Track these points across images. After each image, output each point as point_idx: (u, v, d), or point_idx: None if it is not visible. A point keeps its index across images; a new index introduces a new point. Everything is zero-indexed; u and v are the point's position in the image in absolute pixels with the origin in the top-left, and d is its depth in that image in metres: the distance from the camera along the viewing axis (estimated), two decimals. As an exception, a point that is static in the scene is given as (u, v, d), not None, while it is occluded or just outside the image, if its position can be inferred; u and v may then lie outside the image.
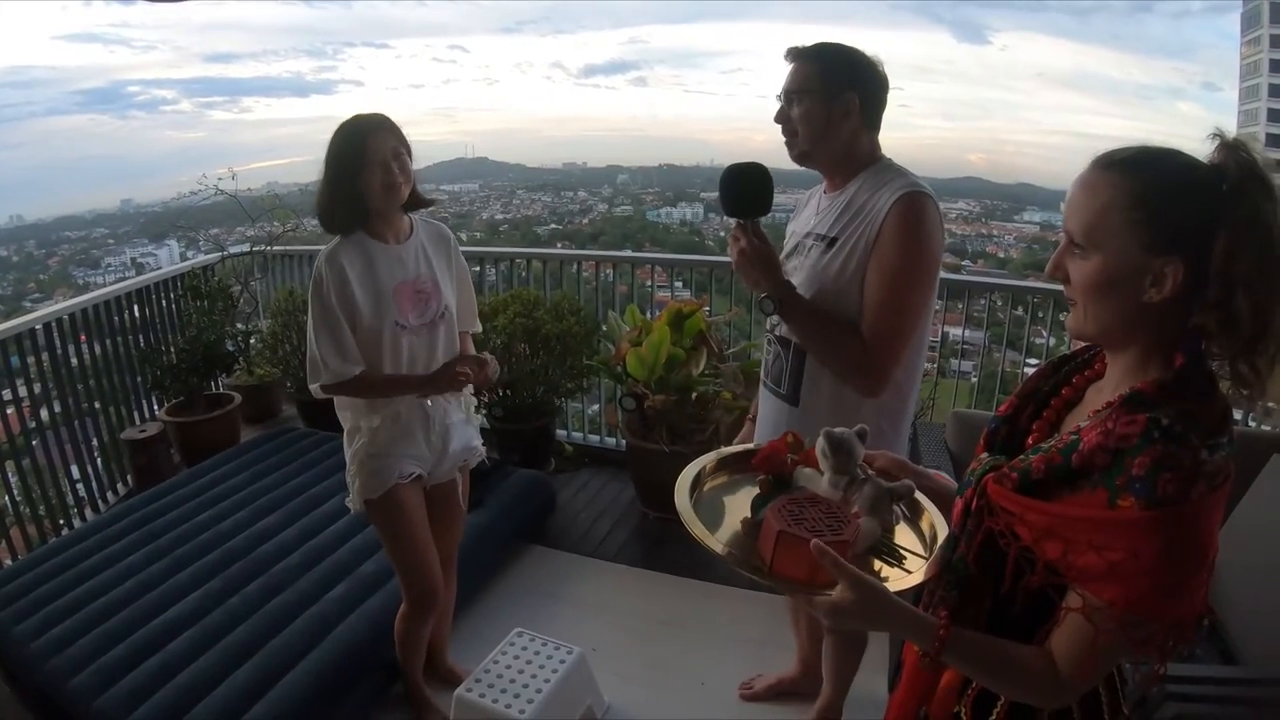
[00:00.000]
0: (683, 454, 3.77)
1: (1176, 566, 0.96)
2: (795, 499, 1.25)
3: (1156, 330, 1.06)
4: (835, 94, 1.92)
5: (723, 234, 17.20)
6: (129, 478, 4.63)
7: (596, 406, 5.09)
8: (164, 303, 5.15)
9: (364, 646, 2.79)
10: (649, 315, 4.51)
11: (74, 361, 4.43)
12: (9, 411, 4.05)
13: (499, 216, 18.18)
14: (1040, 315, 4.19)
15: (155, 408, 4.98)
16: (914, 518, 1.37)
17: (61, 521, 4.24)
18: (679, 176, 20.24)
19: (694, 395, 3.92)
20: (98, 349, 4.61)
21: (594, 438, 4.96)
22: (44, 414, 4.35)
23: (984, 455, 1.23)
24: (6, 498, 4.02)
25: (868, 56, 1.97)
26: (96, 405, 4.61)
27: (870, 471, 1.33)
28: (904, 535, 1.34)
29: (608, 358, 4.19)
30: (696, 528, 1.27)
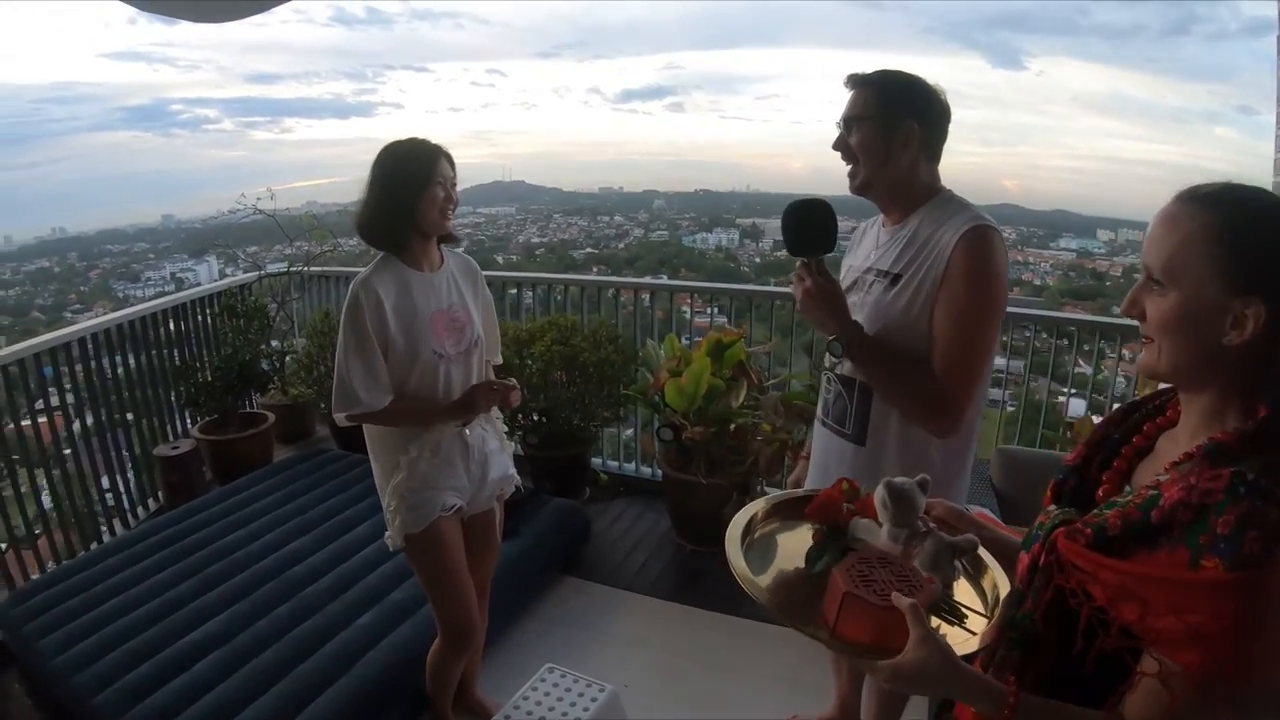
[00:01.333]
0: (720, 486, 3.76)
1: (1264, 630, 0.90)
2: (865, 558, 1.19)
3: (1235, 375, 1.00)
4: (895, 122, 1.87)
5: (758, 260, 17.18)
6: (160, 494, 4.64)
7: (631, 431, 5.03)
8: (200, 320, 5.19)
9: (391, 676, 2.75)
10: (686, 341, 4.48)
11: (109, 374, 4.48)
12: (40, 420, 4.12)
13: (535, 240, 18.06)
14: (1085, 347, 4.08)
15: (189, 424, 5.00)
16: (976, 574, 1.30)
17: (100, 528, 4.32)
18: (715, 202, 19.88)
19: (732, 426, 3.86)
20: (132, 362, 4.65)
21: (629, 466, 4.90)
22: (77, 425, 4.36)
23: (1052, 508, 1.17)
24: (38, 505, 4.06)
25: (929, 84, 1.92)
26: (129, 417, 4.65)
27: (931, 524, 1.27)
28: (962, 590, 1.28)
29: (645, 387, 4.15)
30: (752, 586, 1.22)
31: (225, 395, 4.77)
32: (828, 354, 2.03)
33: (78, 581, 3.26)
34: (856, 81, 1.93)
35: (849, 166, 1.97)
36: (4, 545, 3.78)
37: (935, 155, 1.96)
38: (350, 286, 2.25)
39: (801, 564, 1.29)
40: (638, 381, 4.35)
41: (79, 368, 4.26)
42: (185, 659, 2.77)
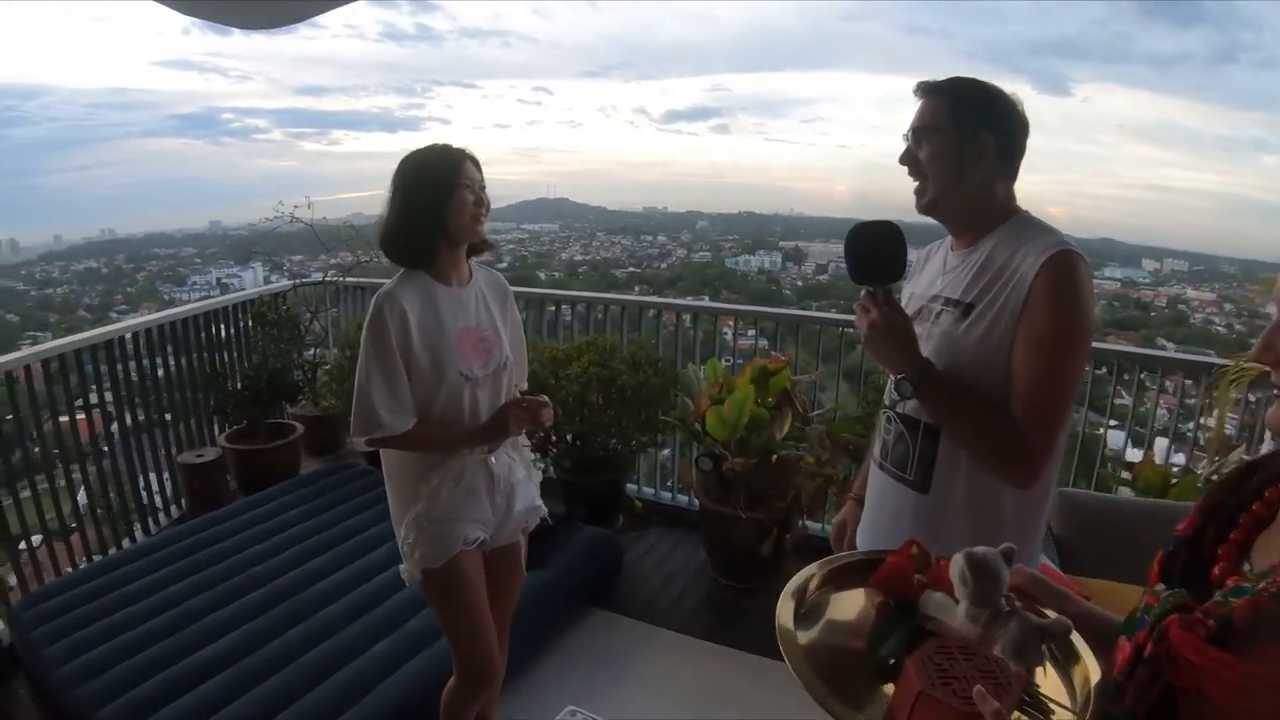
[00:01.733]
0: (760, 521, 3.58)
1: None
2: (943, 647, 1.00)
3: None
4: (968, 134, 1.69)
5: (800, 284, 16.96)
6: (183, 501, 4.58)
7: (668, 450, 4.83)
8: (233, 327, 5.12)
9: (406, 709, 2.63)
10: (727, 363, 4.34)
11: (140, 376, 4.46)
12: (79, 417, 4.09)
13: (578, 257, 17.95)
14: (1125, 377, 3.88)
15: (217, 431, 4.90)
16: (1064, 659, 1.10)
17: (135, 528, 4.31)
18: (758, 224, 19.64)
19: (775, 458, 3.67)
20: (165, 365, 4.64)
21: (666, 494, 4.73)
22: (116, 425, 4.35)
23: (1160, 587, 0.97)
24: (73, 502, 4.06)
25: (1006, 94, 1.74)
26: (167, 417, 4.64)
27: (1016, 601, 1.08)
28: (1047, 677, 1.09)
29: (685, 413, 3.98)
30: (807, 678, 1.05)
31: (253, 404, 4.69)
32: (889, 391, 1.85)
33: (92, 588, 3.20)
34: (927, 89, 1.76)
35: (915, 183, 1.79)
36: (38, 539, 3.78)
37: (1012, 172, 1.77)
38: (374, 299, 2.10)
39: (856, 631, 1.11)
40: (677, 407, 4.18)
41: (119, 367, 4.25)
42: (194, 676, 2.68)
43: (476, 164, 2.15)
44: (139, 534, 4.27)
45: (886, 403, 1.89)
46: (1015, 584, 1.12)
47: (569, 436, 4.24)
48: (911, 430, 1.80)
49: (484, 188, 2.16)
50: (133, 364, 4.35)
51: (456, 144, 2.16)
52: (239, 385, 4.75)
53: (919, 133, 1.74)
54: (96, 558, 3.86)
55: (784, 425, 3.63)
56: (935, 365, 1.68)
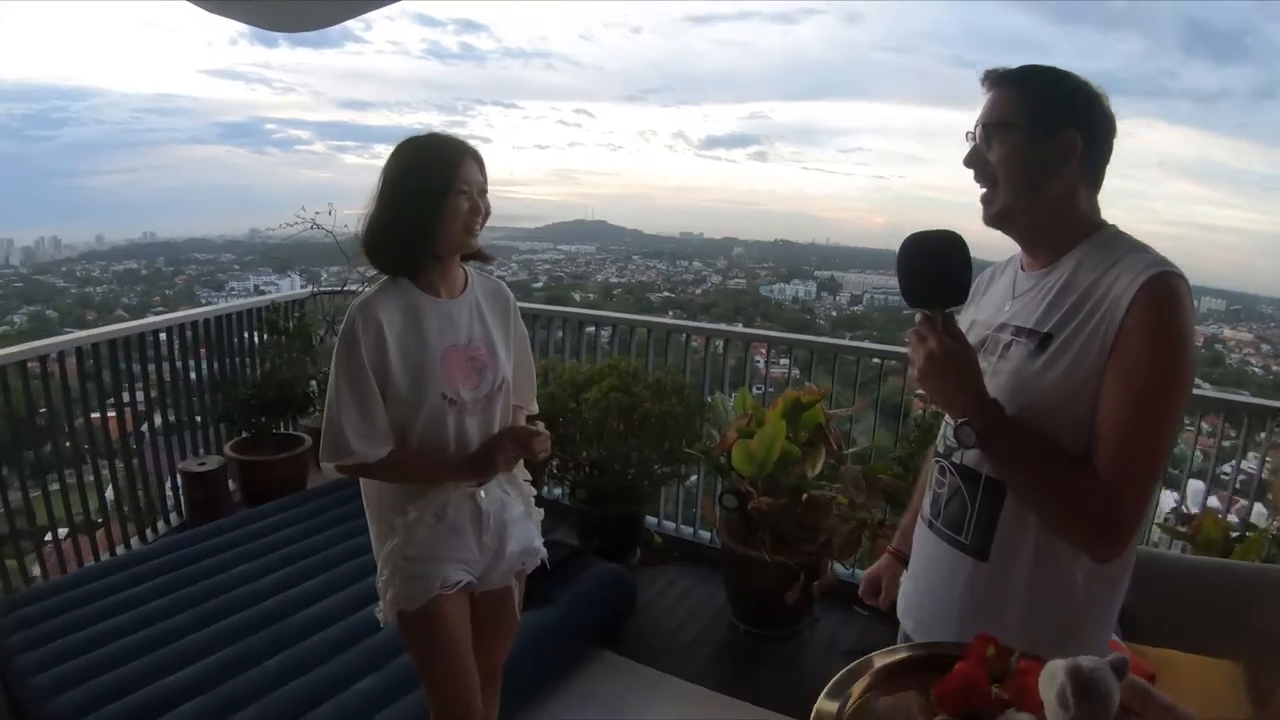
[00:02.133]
0: (786, 565, 3.28)
1: None
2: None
3: None
4: (1049, 131, 1.41)
5: (834, 314, 16.66)
6: (183, 509, 4.41)
7: (693, 478, 4.50)
8: (245, 335, 4.94)
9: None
10: (758, 391, 4.09)
11: (138, 383, 4.37)
12: (110, 415, 4.13)
13: (614, 279, 17.95)
14: None
15: (223, 439, 4.72)
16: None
17: (143, 530, 4.25)
18: (794, 253, 19.68)
19: (804, 497, 3.39)
20: (165, 372, 4.47)
21: (687, 529, 4.44)
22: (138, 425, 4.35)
23: None
24: (100, 497, 4.06)
25: (1091, 85, 1.46)
26: (198, 419, 4.63)
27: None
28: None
29: (710, 446, 3.70)
30: None
31: (260, 414, 4.49)
32: (943, 437, 1.57)
33: (76, 596, 3.04)
34: (998, 78, 1.48)
35: (982, 190, 1.50)
36: (65, 531, 3.82)
37: (1097, 179, 1.48)
38: (348, 311, 1.86)
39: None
40: (703, 438, 3.91)
41: (105, 370, 4.12)
42: (169, 699, 2.49)
43: (479, 163, 1.90)
44: (127, 545, 4.10)
45: (940, 451, 1.60)
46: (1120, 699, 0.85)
47: (586, 466, 3.97)
48: (970, 485, 1.51)
49: (484, 191, 1.90)
50: (136, 366, 4.24)
51: (459, 136, 1.91)
52: (245, 393, 4.56)
53: (991, 129, 1.46)
54: (105, 556, 3.83)
55: (816, 463, 3.36)
56: (1004, 408, 1.39)
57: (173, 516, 4.43)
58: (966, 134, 1.51)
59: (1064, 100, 1.43)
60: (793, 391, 3.54)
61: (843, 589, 3.47)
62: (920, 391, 1.57)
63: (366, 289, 1.91)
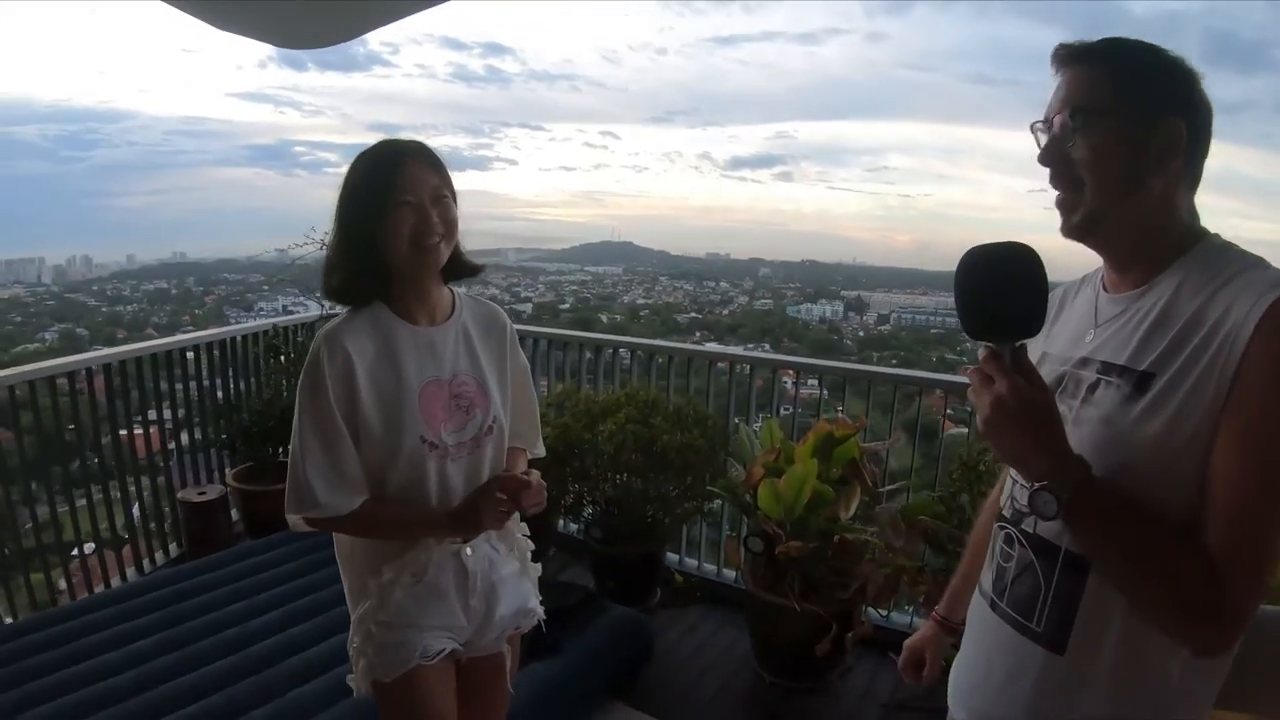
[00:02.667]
0: (817, 614, 3.03)
1: None
2: None
3: None
4: (1149, 118, 1.12)
5: (862, 334, 16.39)
6: (182, 539, 4.21)
7: (720, 504, 4.19)
8: (251, 358, 4.73)
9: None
10: (785, 410, 3.88)
11: (165, 401, 4.29)
12: (136, 431, 4.10)
13: (641, 301, 17.89)
14: None
15: (226, 467, 4.50)
16: None
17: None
18: (820, 273, 19.58)
19: (836, 539, 3.09)
20: (193, 391, 4.42)
21: (710, 567, 4.12)
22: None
23: None
24: (126, 514, 3.98)
25: (1187, 62, 1.16)
26: (224, 436, 4.42)
27: None
28: None
29: (735, 483, 3.40)
30: None
31: (262, 442, 4.24)
32: (1009, 498, 1.29)
33: (57, 633, 2.86)
34: (1077, 53, 1.18)
35: (1059, 194, 1.21)
36: (91, 547, 3.80)
37: (1197, 178, 1.19)
38: (313, 340, 1.60)
39: None
40: (727, 475, 3.61)
41: (100, 397, 3.94)
42: None
43: (431, 162, 1.62)
44: (123, 577, 3.91)
45: (1006, 515, 1.30)
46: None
47: (601, 503, 3.69)
48: (1045, 561, 1.21)
49: (444, 197, 1.61)
50: (164, 384, 4.19)
51: (405, 137, 1.64)
52: (247, 420, 4.33)
53: (1075, 117, 1.16)
54: (131, 573, 3.87)
55: (850, 504, 3.06)
56: (1091, 468, 1.07)
57: (172, 547, 4.23)
58: (1034, 126, 1.22)
59: (1164, 79, 1.14)
60: (825, 424, 3.23)
61: (878, 635, 3.18)
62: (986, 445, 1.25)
63: (335, 319, 1.65)
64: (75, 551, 3.87)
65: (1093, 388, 1.17)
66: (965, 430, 4.38)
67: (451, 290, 1.75)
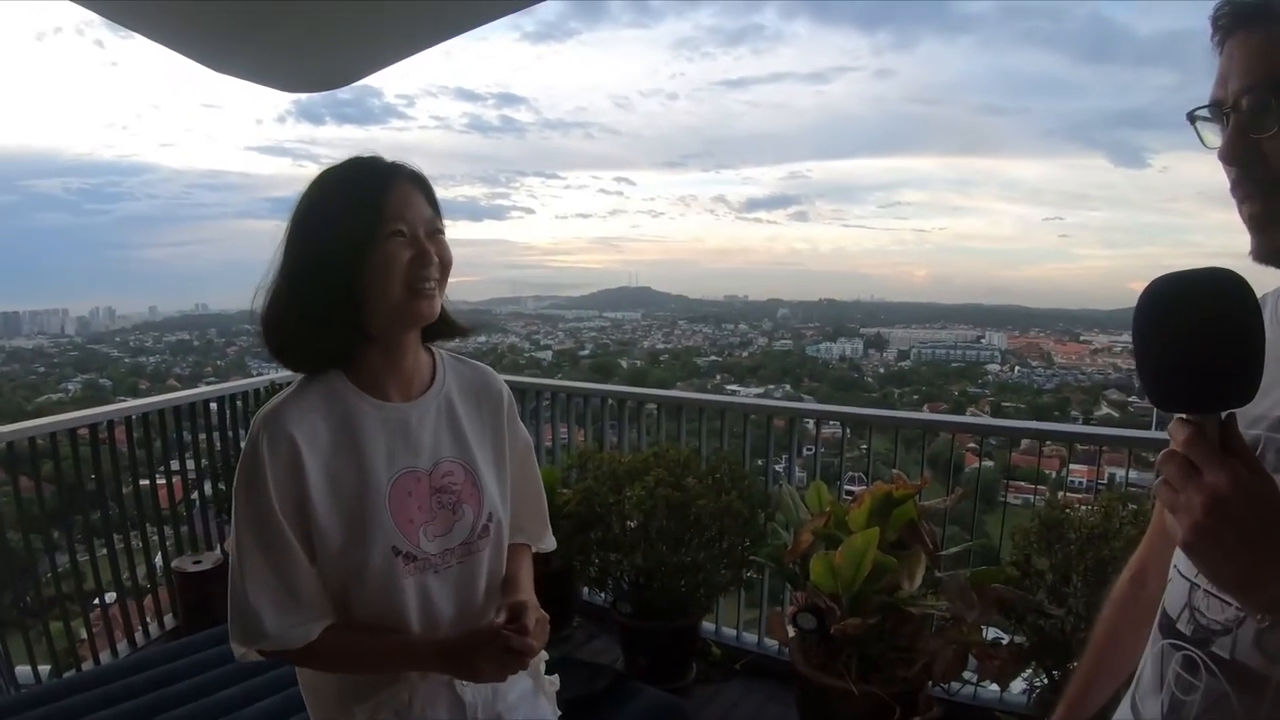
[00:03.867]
0: (877, 696, 2.63)
1: None
2: None
3: None
4: None
5: (882, 371, 16.12)
6: (177, 611, 3.91)
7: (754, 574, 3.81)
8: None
9: None
10: (807, 450, 3.61)
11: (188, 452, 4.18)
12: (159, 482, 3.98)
13: (660, 345, 17.76)
14: None
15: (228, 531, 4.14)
16: None
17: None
18: (839, 311, 19.39)
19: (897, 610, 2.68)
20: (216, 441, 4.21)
21: (750, 637, 3.70)
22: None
23: None
24: (148, 563, 3.91)
25: None
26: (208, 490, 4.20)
27: None
28: None
29: (779, 551, 3.00)
30: None
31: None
32: (1194, 611, 0.93)
33: (44, 714, 2.49)
34: (1253, 10, 0.85)
35: (1248, 203, 0.87)
36: (112, 597, 3.66)
37: None
38: (251, 424, 1.23)
39: None
40: (768, 541, 3.21)
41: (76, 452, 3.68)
42: None
43: (426, 189, 1.27)
44: (114, 651, 3.63)
45: (1184, 631, 0.94)
46: None
47: (630, 574, 3.31)
48: (1249, 695, 0.86)
49: (439, 231, 1.26)
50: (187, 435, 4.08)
51: (389, 157, 1.27)
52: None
53: (1268, 90, 0.82)
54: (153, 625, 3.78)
55: (915, 574, 2.65)
56: None
57: (168, 619, 3.90)
58: (1194, 114, 0.90)
59: None
60: (882, 485, 2.83)
61: (953, 713, 2.88)
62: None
63: (278, 395, 1.27)
64: (96, 601, 3.68)
65: None
66: (990, 464, 4.06)
67: (433, 352, 1.38)
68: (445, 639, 1.26)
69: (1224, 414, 0.75)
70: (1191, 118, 0.91)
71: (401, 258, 1.19)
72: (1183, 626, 0.94)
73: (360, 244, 1.17)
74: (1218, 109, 0.87)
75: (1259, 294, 0.98)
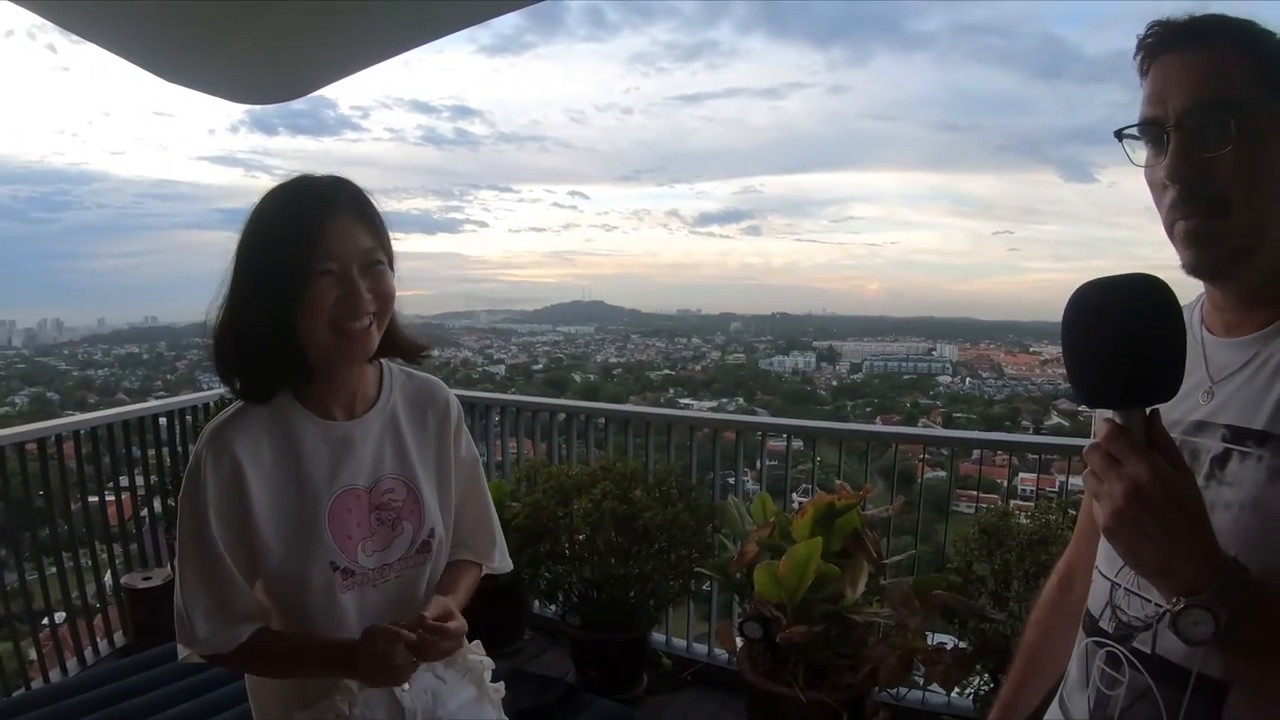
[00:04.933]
0: (824, 704, 2.65)
1: None
2: None
3: None
4: None
5: (835, 384, 16.25)
6: (127, 628, 3.81)
7: (705, 586, 3.82)
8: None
9: None
10: (757, 465, 3.59)
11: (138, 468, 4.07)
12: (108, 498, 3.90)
13: (614, 359, 17.72)
14: None
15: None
16: None
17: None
18: (791, 324, 19.53)
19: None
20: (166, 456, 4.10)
21: (700, 647, 3.69)
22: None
23: None
24: (98, 582, 3.82)
25: None
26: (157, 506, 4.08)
27: None
28: None
29: (725, 562, 3.02)
30: None
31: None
32: (1115, 609, 0.98)
33: None
34: (1196, 31, 0.90)
35: (1186, 220, 0.90)
36: (61, 616, 3.57)
37: None
38: (197, 441, 1.22)
39: None
40: (716, 552, 3.23)
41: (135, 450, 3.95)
42: None
43: (364, 215, 1.24)
44: (63, 670, 3.50)
45: (1106, 629, 0.99)
46: None
47: (579, 586, 3.31)
48: (1170, 688, 0.91)
49: (377, 262, 1.22)
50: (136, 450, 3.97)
51: (325, 176, 1.25)
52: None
53: (1221, 112, 0.86)
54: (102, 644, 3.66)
55: (858, 581, 2.68)
56: (1249, 571, 0.81)
57: (118, 636, 3.80)
58: (1121, 132, 0.94)
59: None
60: (825, 495, 2.87)
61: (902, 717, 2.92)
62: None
63: (223, 412, 1.27)
64: (45, 620, 3.57)
65: (1220, 461, 0.90)
66: (942, 474, 4.12)
67: (382, 366, 1.37)
68: (345, 641, 1.23)
69: (1148, 410, 0.81)
70: (1119, 135, 0.94)
71: (327, 299, 1.17)
72: (1105, 624, 0.99)
73: (288, 282, 1.16)
74: (1154, 128, 0.90)
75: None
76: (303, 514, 1.22)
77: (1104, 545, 1.01)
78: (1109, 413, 0.84)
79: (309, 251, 1.15)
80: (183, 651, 1.24)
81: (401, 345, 1.34)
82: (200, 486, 1.17)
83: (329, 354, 1.21)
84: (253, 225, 1.22)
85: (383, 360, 1.37)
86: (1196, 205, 0.88)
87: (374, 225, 1.24)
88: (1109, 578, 1.00)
